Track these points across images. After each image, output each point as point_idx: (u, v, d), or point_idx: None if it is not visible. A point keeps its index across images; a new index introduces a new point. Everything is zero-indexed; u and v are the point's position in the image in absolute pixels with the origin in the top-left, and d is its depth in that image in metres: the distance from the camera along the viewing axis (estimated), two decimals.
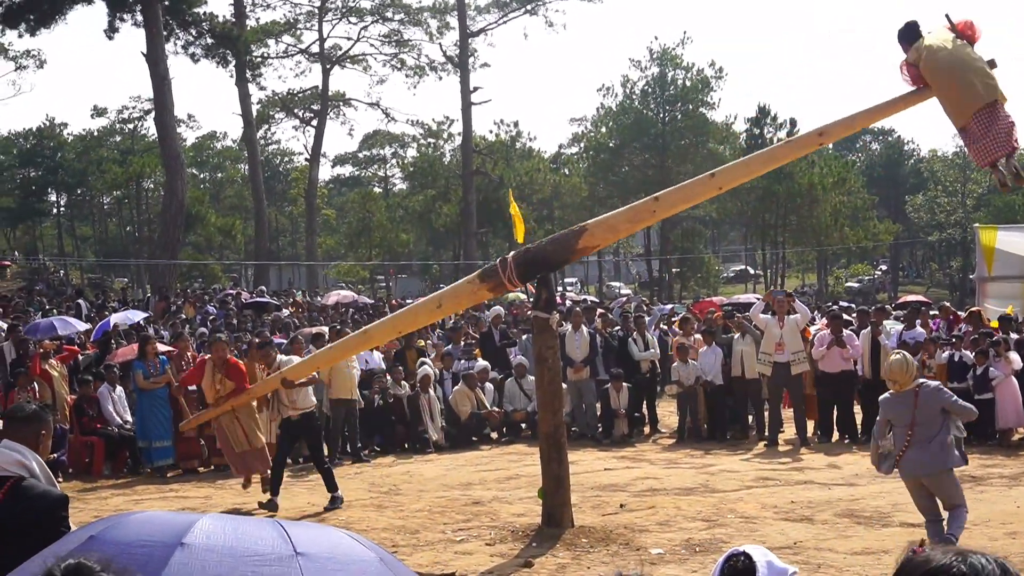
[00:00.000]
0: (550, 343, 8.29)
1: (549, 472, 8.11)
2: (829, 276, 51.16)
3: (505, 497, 9.70)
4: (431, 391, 13.54)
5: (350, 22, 47.69)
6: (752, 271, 54.72)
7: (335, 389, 12.59)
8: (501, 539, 7.95)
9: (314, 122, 48.64)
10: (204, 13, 38.17)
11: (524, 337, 15.72)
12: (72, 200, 60.69)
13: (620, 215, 8.56)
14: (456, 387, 14.06)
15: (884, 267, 56.37)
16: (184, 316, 21.25)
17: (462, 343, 15.63)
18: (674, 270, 46.62)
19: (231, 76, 42.02)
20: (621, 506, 9.02)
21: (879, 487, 9.43)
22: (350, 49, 48.33)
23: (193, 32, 38.06)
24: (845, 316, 13.88)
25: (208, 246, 55.23)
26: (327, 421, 12.97)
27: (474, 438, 13.81)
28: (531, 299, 12.48)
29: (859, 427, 12.64)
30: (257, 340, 12.32)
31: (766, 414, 13.14)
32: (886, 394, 7.04)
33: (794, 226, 44.21)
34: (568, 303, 21.89)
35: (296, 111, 50.28)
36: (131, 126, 57.69)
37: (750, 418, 13.49)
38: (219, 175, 67.39)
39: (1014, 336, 12.80)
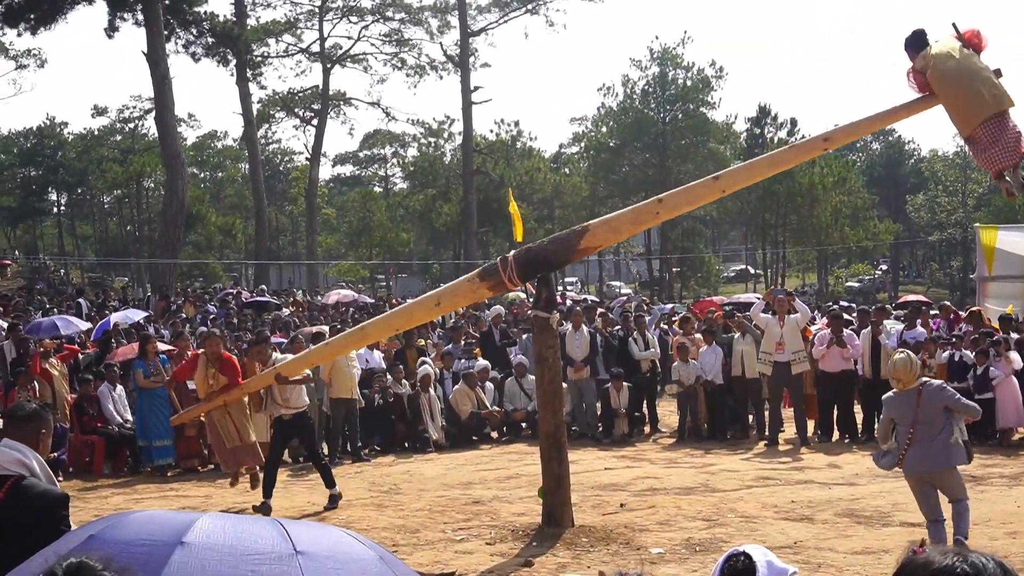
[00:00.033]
0: (550, 342, 8.28)
1: (549, 471, 8.11)
2: (829, 276, 51.16)
3: (505, 496, 9.70)
4: (431, 390, 13.55)
5: (351, 21, 47.73)
6: (752, 271, 54.72)
7: (336, 388, 12.59)
8: (501, 538, 7.95)
9: (314, 121, 48.63)
10: (205, 12, 38.16)
11: (524, 336, 15.72)
12: (72, 199, 60.75)
13: (623, 216, 8.52)
14: (456, 386, 14.06)
15: (884, 267, 56.38)
16: (184, 315, 21.26)
17: (462, 342, 15.64)
18: (674, 269, 46.63)
19: (232, 75, 42.01)
20: (621, 505, 9.02)
21: (879, 487, 9.43)
22: (351, 48, 48.37)
23: (194, 31, 38.04)
24: (845, 316, 13.89)
25: (208, 245, 55.28)
26: (327, 420, 12.99)
27: (474, 437, 13.82)
28: (531, 298, 12.47)
29: (859, 427, 12.66)
30: (254, 337, 12.27)
31: (766, 414, 13.15)
32: (890, 392, 7.12)
33: (794, 226, 44.21)
34: (568, 302, 21.89)
35: (297, 110, 50.28)
36: (132, 125, 57.65)
37: (750, 418, 13.49)
38: (219, 174, 67.42)
39: (1014, 336, 12.80)
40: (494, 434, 14.16)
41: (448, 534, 8.20)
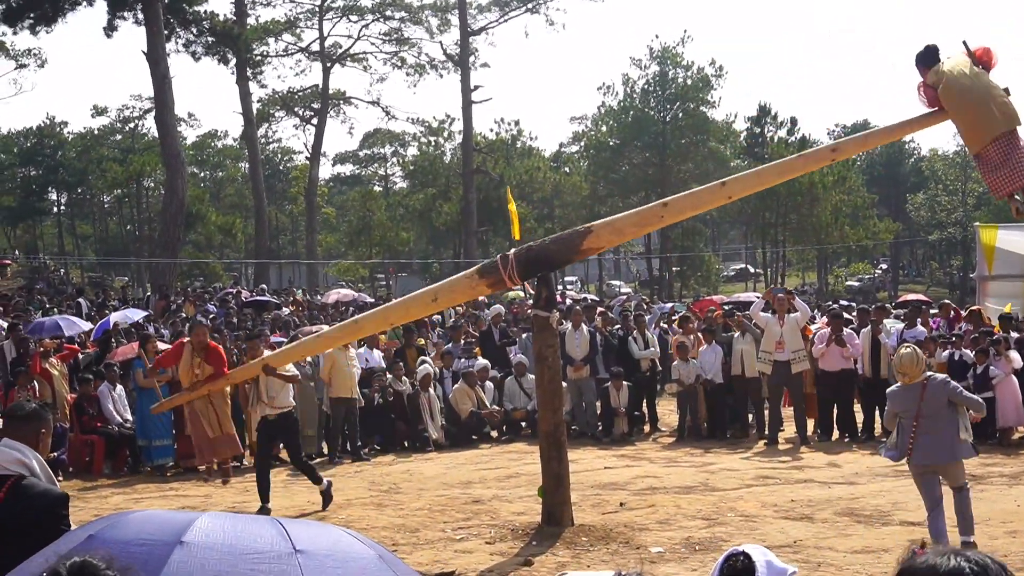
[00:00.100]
0: (550, 342, 8.28)
1: (549, 470, 8.11)
2: (829, 275, 51.15)
3: (505, 496, 9.70)
4: (431, 390, 13.55)
5: (350, 20, 47.66)
6: (752, 270, 54.71)
7: (335, 388, 12.59)
8: (501, 537, 7.95)
9: (314, 120, 48.61)
10: (204, 11, 38.19)
11: (524, 335, 15.71)
12: (72, 199, 60.73)
13: (627, 218, 8.46)
14: (456, 385, 14.07)
15: (884, 266, 56.35)
16: (184, 315, 21.23)
17: (462, 341, 15.63)
18: (674, 268, 46.58)
19: (232, 74, 42.01)
20: (621, 505, 9.03)
21: (879, 486, 9.44)
22: (351, 47, 48.30)
23: (194, 30, 38.05)
24: (845, 315, 13.89)
25: (208, 245, 55.22)
26: (327, 420, 12.99)
27: (474, 437, 13.82)
28: (531, 297, 12.47)
29: (859, 426, 12.66)
30: (248, 331, 12.12)
31: (766, 413, 13.15)
32: (895, 386, 7.23)
33: (794, 225, 44.17)
34: (568, 301, 21.87)
35: (296, 109, 50.25)
36: (131, 125, 57.63)
37: (750, 417, 13.49)
38: (219, 174, 67.37)
39: (1014, 335, 12.80)
40: (494, 433, 14.16)
41: (448, 533, 8.19)
